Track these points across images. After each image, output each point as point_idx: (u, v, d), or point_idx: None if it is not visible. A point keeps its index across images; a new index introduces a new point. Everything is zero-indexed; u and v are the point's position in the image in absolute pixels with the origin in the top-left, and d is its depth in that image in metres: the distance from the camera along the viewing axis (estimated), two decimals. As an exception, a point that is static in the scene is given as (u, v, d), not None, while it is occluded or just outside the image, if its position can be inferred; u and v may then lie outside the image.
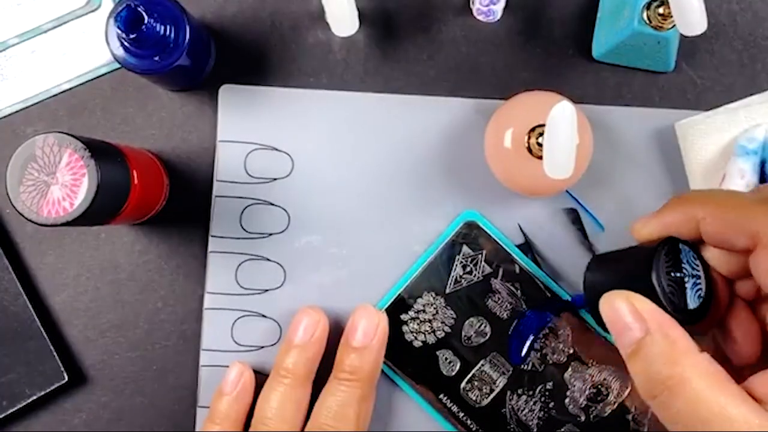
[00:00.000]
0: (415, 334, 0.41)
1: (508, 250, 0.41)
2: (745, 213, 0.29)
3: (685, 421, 0.26)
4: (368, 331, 0.39)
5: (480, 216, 0.41)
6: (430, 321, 0.41)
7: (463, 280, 0.41)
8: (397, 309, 0.41)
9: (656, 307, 0.29)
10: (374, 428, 0.41)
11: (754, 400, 0.26)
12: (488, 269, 0.41)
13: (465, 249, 0.41)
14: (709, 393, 0.26)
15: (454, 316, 0.41)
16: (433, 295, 0.41)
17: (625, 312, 0.29)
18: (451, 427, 0.41)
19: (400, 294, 0.41)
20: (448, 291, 0.41)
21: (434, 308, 0.41)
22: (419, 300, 0.41)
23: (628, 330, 0.29)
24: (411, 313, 0.41)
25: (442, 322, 0.41)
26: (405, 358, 0.41)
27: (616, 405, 0.40)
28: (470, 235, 0.41)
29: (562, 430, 0.40)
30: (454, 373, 0.41)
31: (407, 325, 0.41)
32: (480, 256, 0.41)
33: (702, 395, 0.26)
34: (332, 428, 0.38)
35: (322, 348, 0.40)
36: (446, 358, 0.41)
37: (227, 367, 0.40)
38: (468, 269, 0.41)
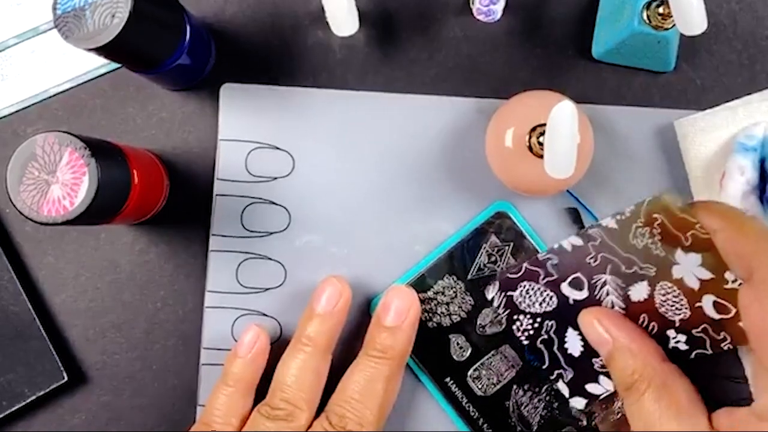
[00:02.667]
0: (430, 315, 0.41)
1: (536, 246, 0.41)
2: (750, 245, 0.29)
3: (635, 424, 0.33)
4: (401, 311, 0.39)
5: (512, 208, 0.41)
6: (447, 304, 0.41)
7: (486, 269, 0.41)
8: (416, 287, 0.41)
9: (623, 322, 0.34)
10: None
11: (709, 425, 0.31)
12: (513, 262, 0.41)
13: (493, 238, 0.41)
14: (655, 407, 0.32)
15: (472, 302, 0.41)
16: (455, 278, 0.41)
17: (597, 328, 0.34)
18: (452, 412, 0.41)
19: (422, 272, 0.41)
20: (470, 277, 0.41)
21: (453, 292, 0.41)
22: (440, 282, 0.41)
23: (602, 343, 0.35)
24: (430, 293, 0.41)
25: (459, 307, 0.41)
26: (416, 337, 0.41)
27: (619, 415, 0.40)
28: (500, 225, 0.41)
29: (563, 431, 0.40)
30: (463, 359, 0.41)
31: (424, 304, 0.41)
32: (507, 247, 0.41)
33: (648, 409, 0.32)
34: (359, 402, 0.37)
35: (343, 319, 0.40)
36: (458, 343, 0.41)
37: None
38: (493, 259, 0.41)
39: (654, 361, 0.33)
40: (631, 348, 0.33)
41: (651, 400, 0.32)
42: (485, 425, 0.41)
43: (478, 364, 0.41)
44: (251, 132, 0.42)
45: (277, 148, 0.42)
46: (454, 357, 0.41)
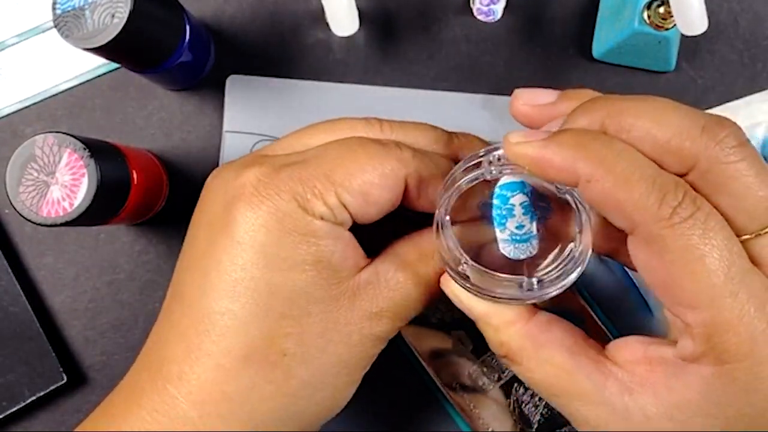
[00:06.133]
0: (432, 310, 0.41)
1: None
2: (629, 193, 0.24)
3: (528, 384, 0.29)
4: None
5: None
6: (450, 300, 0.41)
7: None
8: None
9: (475, 300, 0.29)
10: (377, 399, 0.40)
11: (605, 361, 0.26)
12: None
13: None
14: (539, 365, 0.28)
15: None
16: None
17: (454, 296, 0.30)
18: (452, 410, 0.41)
19: None
20: None
21: None
22: None
23: (465, 311, 0.30)
24: None
25: None
26: (419, 333, 0.41)
27: None
28: None
29: (563, 430, 0.40)
30: (463, 355, 0.41)
31: None
32: None
33: (532, 368, 0.28)
34: None
35: None
36: (459, 339, 0.41)
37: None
38: None
39: (518, 328, 0.28)
40: (491, 323, 0.29)
41: (530, 369, 0.28)
42: (485, 422, 0.41)
43: (479, 361, 0.41)
44: (256, 124, 0.42)
45: (281, 142, 0.42)
46: (456, 353, 0.41)
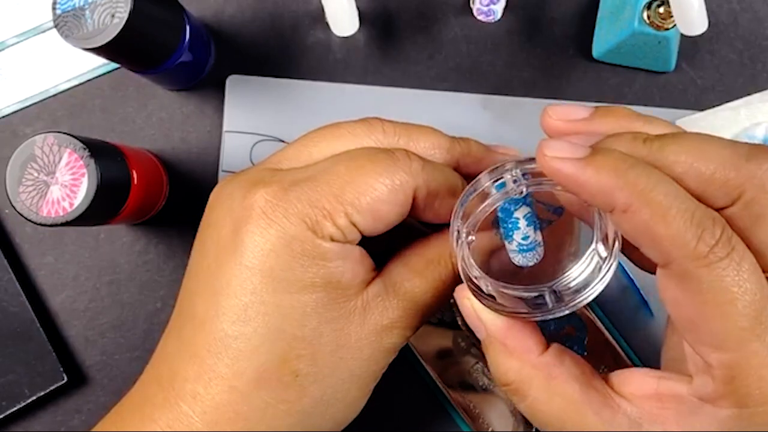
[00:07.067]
0: None
1: None
2: (667, 228, 0.23)
3: (532, 419, 0.28)
4: None
5: None
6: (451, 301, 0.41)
7: None
8: None
9: (493, 314, 0.28)
10: (376, 399, 0.40)
11: (613, 394, 0.26)
12: None
13: None
14: (549, 398, 0.26)
15: None
16: None
17: (470, 311, 0.28)
18: (452, 408, 0.41)
19: None
20: None
21: None
22: None
23: (476, 330, 0.29)
24: None
25: None
26: (419, 332, 0.40)
27: None
28: None
29: (563, 430, 0.41)
30: (463, 354, 0.41)
31: None
32: None
33: (541, 401, 0.27)
34: None
35: None
36: (459, 339, 0.41)
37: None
38: None
39: (532, 358, 0.27)
40: (506, 344, 0.28)
41: (538, 401, 0.27)
42: (485, 422, 0.41)
43: (480, 360, 0.41)
44: (256, 124, 0.42)
45: (283, 141, 0.42)
46: (455, 352, 0.41)
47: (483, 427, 0.41)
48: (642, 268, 0.27)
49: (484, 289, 0.28)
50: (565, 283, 0.28)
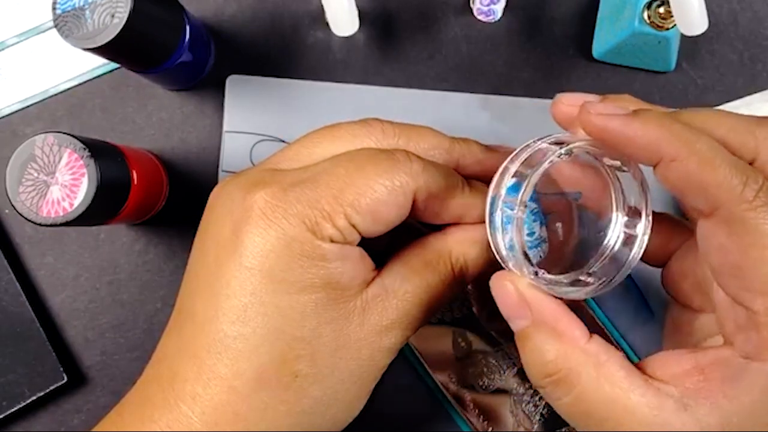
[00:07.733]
0: None
1: None
2: (717, 175, 0.24)
3: (573, 413, 0.26)
4: None
5: None
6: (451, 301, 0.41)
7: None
8: None
9: (543, 296, 0.27)
10: (376, 399, 0.40)
11: (652, 380, 0.25)
12: None
13: None
14: (599, 385, 0.25)
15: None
16: None
17: (512, 296, 0.27)
18: (452, 408, 0.41)
19: None
20: None
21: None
22: None
23: (516, 317, 0.27)
24: None
25: (463, 303, 0.41)
26: (418, 332, 0.40)
27: None
28: None
29: (563, 430, 0.40)
30: (463, 354, 0.41)
31: None
32: None
33: (589, 389, 0.25)
34: None
35: None
36: (459, 339, 0.41)
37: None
38: None
39: (582, 344, 0.26)
40: (557, 328, 0.26)
41: (586, 391, 0.26)
42: (485, 422, 0.41)
43: (480, 360, 0.41)
44: (256, 124, 0.42)
45: (283, 141, 0.42)
46: (454, 352, 0.41)
47: (483, 427, 0.41)
48: (647, 263, 0.28)
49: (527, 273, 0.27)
50: (601, 260, 0.29)
